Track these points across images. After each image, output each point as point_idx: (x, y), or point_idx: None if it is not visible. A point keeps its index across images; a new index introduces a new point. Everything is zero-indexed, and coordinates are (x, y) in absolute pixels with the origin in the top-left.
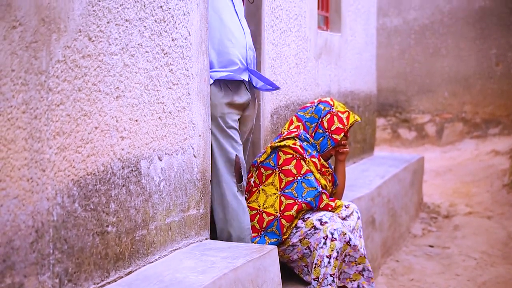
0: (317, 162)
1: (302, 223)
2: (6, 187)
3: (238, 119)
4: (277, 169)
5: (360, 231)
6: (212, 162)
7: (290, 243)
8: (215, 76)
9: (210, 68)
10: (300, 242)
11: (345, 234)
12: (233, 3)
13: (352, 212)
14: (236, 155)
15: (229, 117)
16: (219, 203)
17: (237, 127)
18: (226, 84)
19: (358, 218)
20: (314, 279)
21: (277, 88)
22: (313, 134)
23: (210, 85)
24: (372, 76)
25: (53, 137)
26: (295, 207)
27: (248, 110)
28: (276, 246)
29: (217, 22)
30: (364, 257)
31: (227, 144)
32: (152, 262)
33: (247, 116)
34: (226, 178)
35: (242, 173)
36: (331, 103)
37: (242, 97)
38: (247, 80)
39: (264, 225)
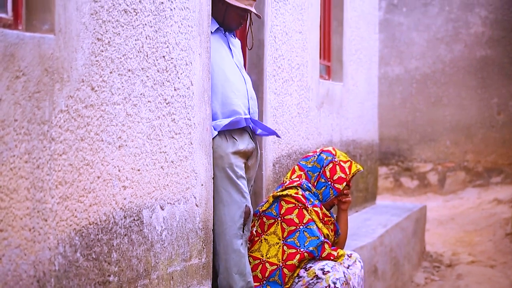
0: (319, 211)
1: (304, 272)
2: (8, 237)
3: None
4: (279, 219)
5: (362, 281)
6: (220, 212)
7: None
8: (219, 126)
9: (214, 119)
10: None
11: (348, 283)
12: (231, 54)
13: (355, 261)
14: (246, 205)
15: (237, 166)
16: (223, 253)
17: (245, 176)
18: (230, 134)
19: (362, 267)
20: None
21: (275, 134)
22: (315, 184)
23: (215, 137)
24: (374, 125)
25: (56, 186)
26: (297, 257)
27: (251, 159)
28: None
29: (218, 73)
30: None
31: (237, 194)
32: None
33: (250, 165)
34: (233, 229)
35: (248, 223)
36: (333, 152)
37: (247, 145)
38: (250, 125)
39: (267, 274)
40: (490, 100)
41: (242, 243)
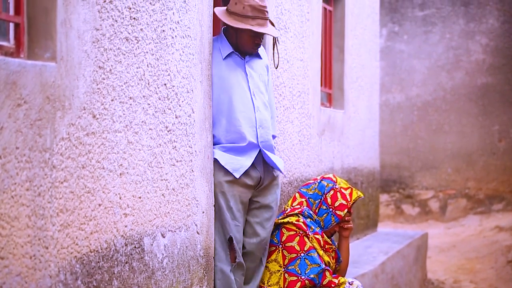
0: (320, 238)
1: None
2: (9, 265)
3: (252, 197)
4: (280, 246)
5: None
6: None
7: None
8: (216, 154)
9: (217, 144)
10: None
11: None
12: (247, 79)
13: None
14: (230, 236)
15: (232, 195)
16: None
17: (240, 206)
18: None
19: None
20: None
21: (279, 170)
22: (316, 211)
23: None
24: (375, 152)
25: (57, 214)
26: (298, 284)
27: (261, 186)
28: None
29: (225, 100)
30: None
31: (218, 223)
32: None
33: (260, 193)
34: (220, 255)
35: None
36: (334, 179)
37: (251, 175)
38: (250, 164)
39: None
40: (491, 128)
41: (231, 270)
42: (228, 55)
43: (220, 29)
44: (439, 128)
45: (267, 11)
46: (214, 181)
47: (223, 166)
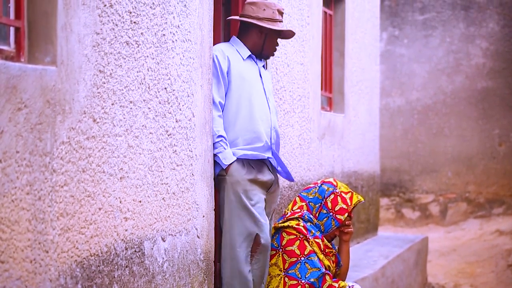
0: (321, 242)
1: None
2: (9, 268)
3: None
4: (280, 250)
5: None
6: (229, 237)
7: None
8: (238, 154)
9: (234, 145)
10: None
11: None
12: (262, 81)
13: None
14: (257, 234)
15: (253, 193)
16: (228, 277)
17: (263, 206)
18: (248, 162)
19: None
20: None
21: (290, 178)
22: (317, 215)
23: (233, 162)
24: (375, 156)
25: (57, 218)
26: None
27: (270, 192)
28: None
29: (245, 99)
30: None
31: (248, 221)
32: None
33: (268, 199)
34: (240, 255)
35: (260, 252)
36: (335, 183)
37: (266, 176)
38: (270, 156)
39: None
40: (492, 131)
41: (249, 271)
42: (248, 57)
43: (220, 35)
44: (439, 132)
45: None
46: (234, 180)
47: (243, 164)
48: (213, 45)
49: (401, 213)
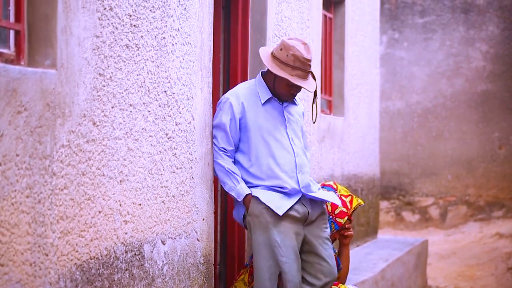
0: None
1: None
2: (9, 272)
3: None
4: None
5: None
6: (257, 272)
7: None
8: (258, 193)
9: (259, 184)
10: None
11: None
12: (285, 125)
13: None
14: (280, 273)
15: (281, 232)
16: None
17: (293, 243)
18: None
19: None
20: None
21: (326, 201)
22: None
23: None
24: (375, 159)
25: (57, 221)
26: None
27: (309, 222)
28: None
29: (265, 146)
30: None
31: (271, 260)
32: None
33: (310, 230)
34: None
35: None
36: (335, 186)
37: (296, 210)
38: (292, 204)
39: None
40: (491, 134)
41: None
42: (267, 101)
43: (220, 38)
44: (439, 135)
45: (310, 64)
46: (260, 221)
47: (266, 205)
48: (212, 48)
49: (401, 216)
